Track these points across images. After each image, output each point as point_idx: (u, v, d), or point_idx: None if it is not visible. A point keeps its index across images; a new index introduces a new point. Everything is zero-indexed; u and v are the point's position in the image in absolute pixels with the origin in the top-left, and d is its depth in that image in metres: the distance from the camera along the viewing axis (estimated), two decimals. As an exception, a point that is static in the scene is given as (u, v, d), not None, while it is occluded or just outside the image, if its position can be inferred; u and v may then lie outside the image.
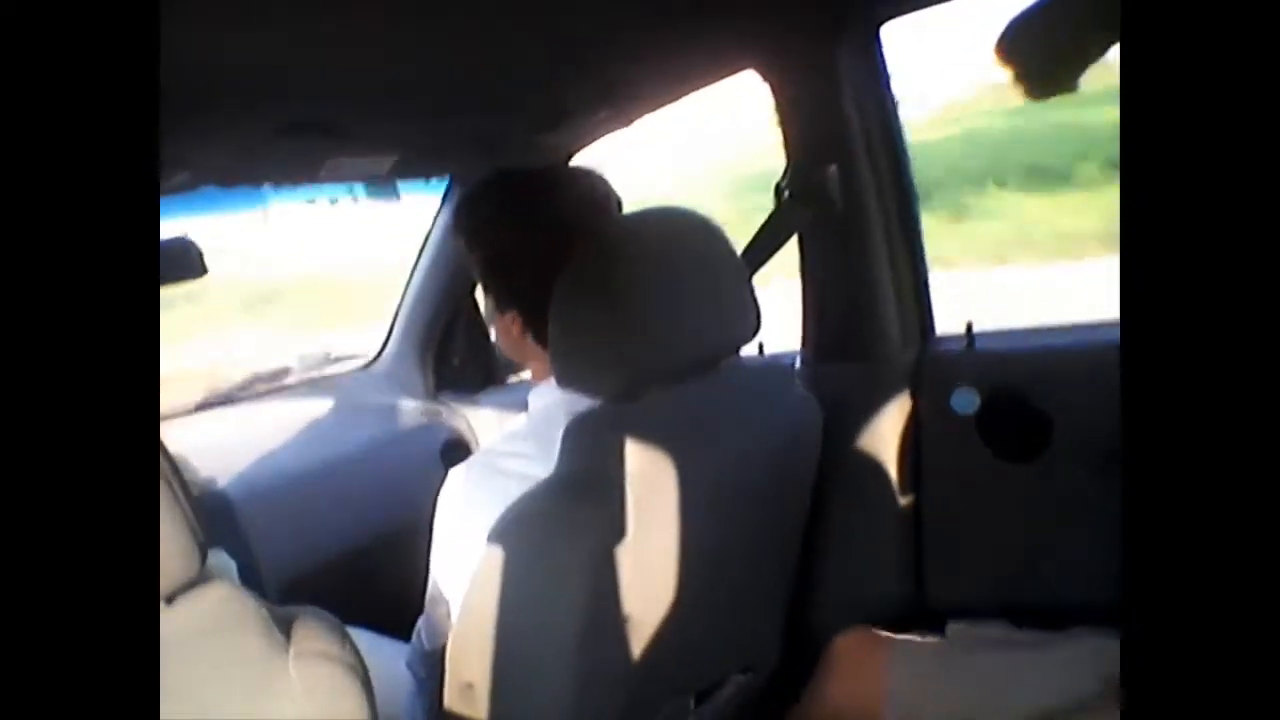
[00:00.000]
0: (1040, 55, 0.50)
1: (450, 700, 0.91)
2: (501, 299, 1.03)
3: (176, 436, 1.50)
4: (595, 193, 1.03)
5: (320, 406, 1.82)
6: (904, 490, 1.27)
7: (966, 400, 1.21)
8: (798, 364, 1.35)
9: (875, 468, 1.26)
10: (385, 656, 1.10)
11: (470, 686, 0.89)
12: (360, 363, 1.98)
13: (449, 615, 0.94)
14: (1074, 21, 0.49)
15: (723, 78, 1.37)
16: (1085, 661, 0.95)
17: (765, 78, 1.28)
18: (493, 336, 1.78)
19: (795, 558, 1.14)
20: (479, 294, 1.80)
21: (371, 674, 0.67)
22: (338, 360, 1.99)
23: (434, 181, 1.76)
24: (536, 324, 0.98)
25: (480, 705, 0.88)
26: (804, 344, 1.35)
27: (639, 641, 0.90)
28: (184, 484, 0.60)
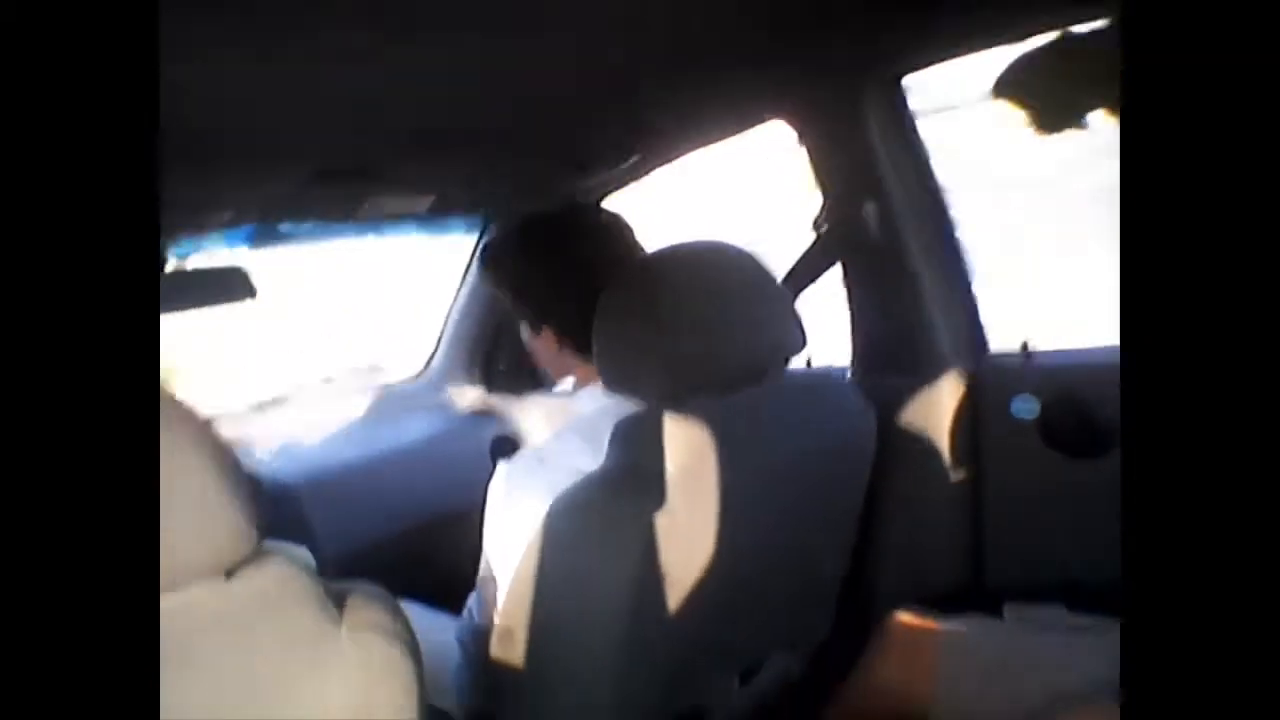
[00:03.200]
0: (1043, 92, 0.51)
1: (494, 680, 0.93)
2: (534, 321, 1.10)
3: (239, 429, 1.62)
4: (609, 219, 1.12)
5: (375, 406, 1.89)
6: (962, 481, 1.28)
7: (1027, 407, 1.22)
8: (848, 376, 1.37)
9: (933, 461, 1.27)
10: (435, 629, 1.13)
11: (509, 663, 0.91)
12: (408, 375, 2.03)
13: (497, 594, 0.97)
14: (1075, 60, 0.50)
15: (752, 126, 1.41)
16: None
17: (794, 126, 1.32)
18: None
19: (848, 551, 1.16)
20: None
21: (422, 646, 0.69)
22: (384, 372, 2.05)
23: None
24: (572, 337, 1.05)
25: (524, 681, 0.90)
26: (853, 363, 1.37)
27: (682, 630, 0.91)
28: (240, 466, 0.62)
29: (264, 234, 1.48)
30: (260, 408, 1.83)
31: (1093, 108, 0.50)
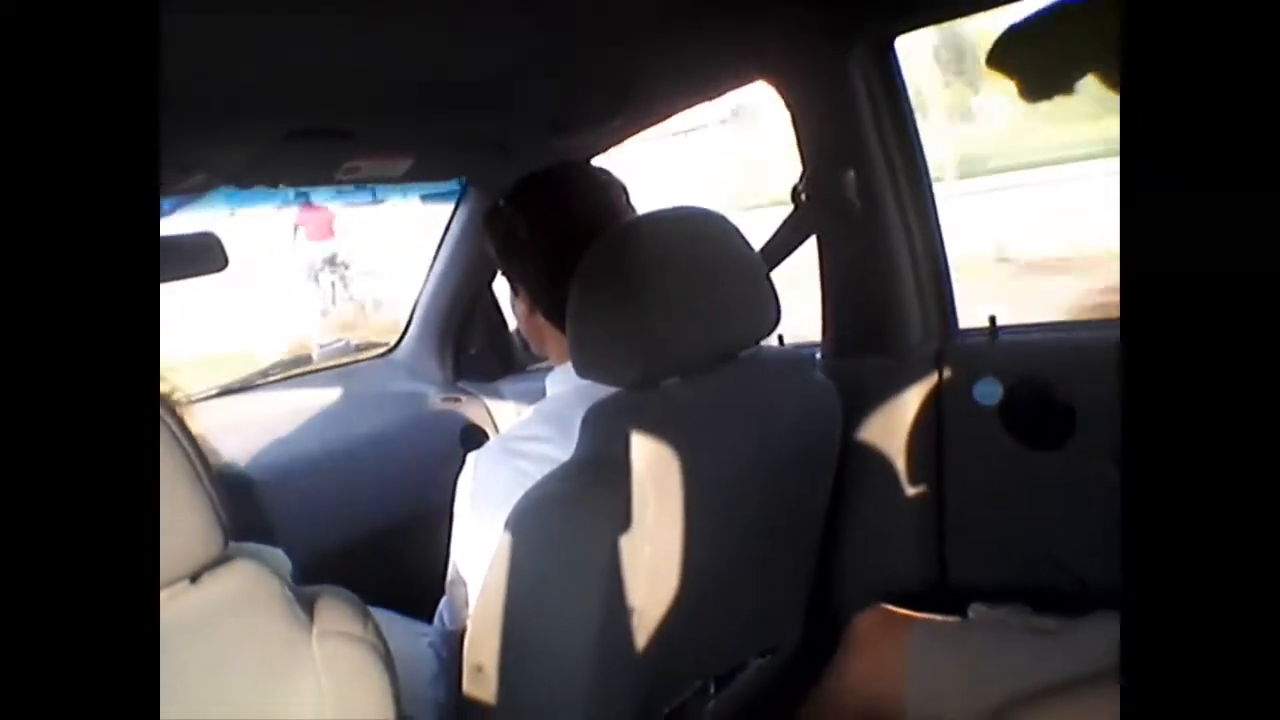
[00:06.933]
0: (1035, 60, 0.50)
1: (465, 683, 0.92)
2: (515, 281, 1.09)
3: (200, 419, 1.54)
4: (600, 182, 1.08)
5: (341, 392, 1.85)
6: (926, 474, 1.28)
7: (989, 391, 1.22)
8: (818, 356, 1.36)
9: (897, 452, 1.27)
10: (407, 635, 1.12)
11: (480, 669, 0.89)
12: (379, 352, 2.01)
13: (469, 597, 0.95)
14: (1070, 29, 0.49)
15: (736, 87, 1.38)
16: (1104, 645, 0.94)
17: (777, 88, 1.29)
18: (512, 323, 1.83)
19: (816, 543, 1.15)
20: (498, 287, 1.84)
21: (393, 653, 0.68)
22: (357, 349, 2.03)
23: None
24: (546, 303, 1.04)
25: (494, 687, 0.89)
26: (824, 339, 1.36)
27: (657, 625, 0.90)
28: (208, 465, 0.60)
29: (236, 197, 1.43)
30: (223, 392, 1.80)
31: (1085, 73, 0.49)
